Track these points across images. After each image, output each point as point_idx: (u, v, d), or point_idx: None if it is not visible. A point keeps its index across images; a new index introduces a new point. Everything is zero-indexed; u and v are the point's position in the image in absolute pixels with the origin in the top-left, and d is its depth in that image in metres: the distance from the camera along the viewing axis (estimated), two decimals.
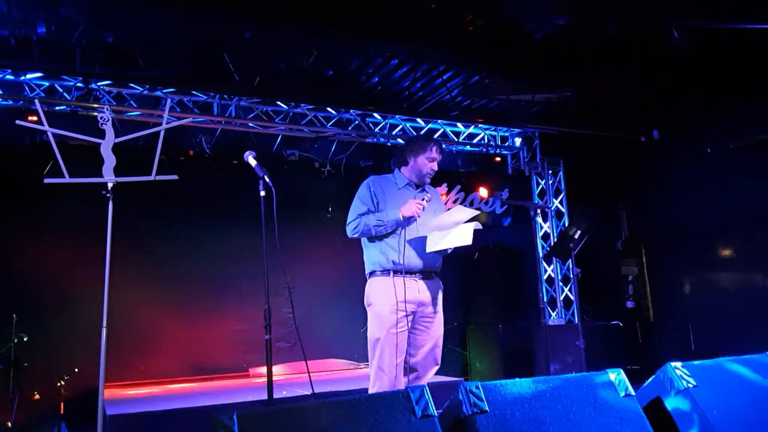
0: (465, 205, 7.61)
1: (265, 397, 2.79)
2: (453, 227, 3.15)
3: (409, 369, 3.23)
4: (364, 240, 3.31)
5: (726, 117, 6.23)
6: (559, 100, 6.63)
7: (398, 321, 3.09)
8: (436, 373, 3.33)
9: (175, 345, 6.02)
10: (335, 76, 6.09)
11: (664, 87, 6.01)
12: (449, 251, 3.34)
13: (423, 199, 3.23)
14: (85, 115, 5.77)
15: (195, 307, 6.17)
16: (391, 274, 3.15)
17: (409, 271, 3.18)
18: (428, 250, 3.16)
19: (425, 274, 3.23)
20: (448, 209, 3.31)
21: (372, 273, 3.26)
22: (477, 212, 3.22)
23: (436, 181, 3.47)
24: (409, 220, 3.17)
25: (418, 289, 3.18)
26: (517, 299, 7.57)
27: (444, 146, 7.48)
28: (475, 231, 3.17)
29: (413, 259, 3.19)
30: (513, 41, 5.29)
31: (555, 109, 6.78)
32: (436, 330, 3.25)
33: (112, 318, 3.12)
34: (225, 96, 6.33)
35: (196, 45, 5.40)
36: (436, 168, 3.37)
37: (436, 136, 7.44)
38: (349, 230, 3.26)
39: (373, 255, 3.25)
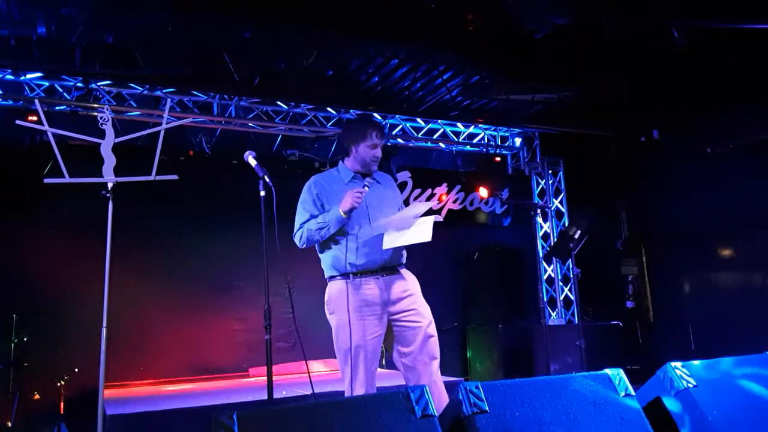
0: (465, 205, 7.67)
1: (265, 397, 2.78)
2: (412, 221, 2.97)
3: (405, 369, 3.02)
4: (317, 245, 3.12)
5: (726, 117, 6.23)
6: (559, 100, 6.64)
7: (366, 328, 2.90)
8: None
9: (175, 345, 6.01)
10: (335, 76, 6.09)
11: (664, 87, 6.02)
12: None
13: (363, 186, 3.00)
14: (85, 115, 5.78)
15: (195, 307, 6.16)
16: (350, 277, 2.95)
17: (369, 271, 2.96)
18: (385, 247, 2.95)
19: (388, 270, 3.01)
20: (411, 204, 3.09)
21: (331, 278, 3.04)
22: (431, 203, 3.02)
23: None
24: (351, 213, 2.94)
25: (382, 288, 2.97)
26: (517, 299, 7.58)
27: (444, 146, 7.60)
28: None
29: (371, 258, 2.97)
30: (513, 41, 5.30)
31: (555, 109, 6.79)
32: (422, 321, 2.99)
33: (112, 318, 3.13)
34: (225, 96, 6.33)
35: (196, 45, 5.41)
36: (380, 154, 3.11)
37: (435, 136, 7.45)
38: (296, 241, 3.07)
39: (328, 259, 3.05)
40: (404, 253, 3.15)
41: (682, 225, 6.86)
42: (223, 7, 4.71)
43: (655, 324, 7.38)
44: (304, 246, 3.07)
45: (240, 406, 1.66)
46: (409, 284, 3.07)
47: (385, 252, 3.00)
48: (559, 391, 1.95)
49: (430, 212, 3.03)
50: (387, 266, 3.02)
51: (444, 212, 7.09)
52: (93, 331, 3.21)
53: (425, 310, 3.05)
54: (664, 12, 4.68)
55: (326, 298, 3.08)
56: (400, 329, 3.00)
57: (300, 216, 3.09)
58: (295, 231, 3.09)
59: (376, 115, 6.97)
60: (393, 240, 2.97)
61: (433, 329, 3.03)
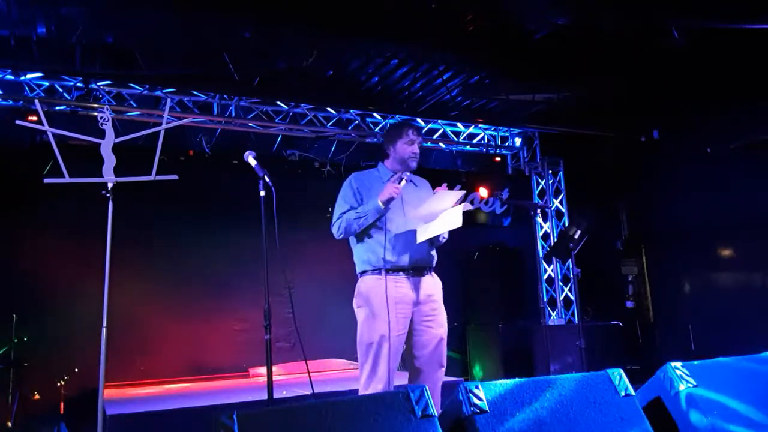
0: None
1: (265, 397, 2.78)
2: (440, 213, 3.00)
3: (411, 370, 3.09)
4: (351, 239, 3.18)
5: (726, 117, 6.23)
6: (559, 100, 6.64)
7: (393, 324, 2.92)
8: None
9: (175, 345, 6.02)
10: (335, 76, 6.09)
11: (664, 87, 6.02)
12: (443, 240, 3.21)
13: (401, 179, 3.08)
14: (85, 115, 5.78)
15: (195, 307, 6.17)
16: (383, 272, 3.00)
17: (402, 268, 3.03)
18: (419, 240, 3.00)
19: (419, 270, 3.08)
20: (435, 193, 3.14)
21: (363, 272, 3.11)
22: (462, 193, 3.02)
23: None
24: (389, 205, 3.02)
25: (412, 288, 3.03)
26: (517, 299, 7.57)
27: (444, 146, 7.59)
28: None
29: (405, 255, 3.03)
30: (513, 41, 5.30)
31: (555, 109, 6.79)
32: (438, 327, 3.06)
33: (112, 318, 3.12)
34: (225, 96, 6.33)
35: (196, 45, 5.41)
36: (417, 151, 3.20)
37: (435, 136, 7.45)
38: (334, 231, 3.16)
39: (362, 253, 3.12)
40: (434, 255, 3.21)
41: (682, 225, 6.85)
42: (223, 7, 4.71)
43: (655, 324, 7.38)
44: (341, 236, 3.15)
45: (240, 406, 1.65)
46: (435, 288, 3.15)
47: (417, 251, 3.07)
48: (559, 391, 1.95)
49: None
50: (419, 266, 3.09)
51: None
52: (93, 331, 3.21)
53: (443, 318, 3.13)
54: (664, 12, 4.68)
55: (356, 291, 3.14)
56: (418, 332, 3.05)
57: (339, 208, 3.18)
58: (333, 221, 3.18)
59: (375, 115, 6.97)
60: (425, 231, 3.01)
61: (445, 337, 3.11)
